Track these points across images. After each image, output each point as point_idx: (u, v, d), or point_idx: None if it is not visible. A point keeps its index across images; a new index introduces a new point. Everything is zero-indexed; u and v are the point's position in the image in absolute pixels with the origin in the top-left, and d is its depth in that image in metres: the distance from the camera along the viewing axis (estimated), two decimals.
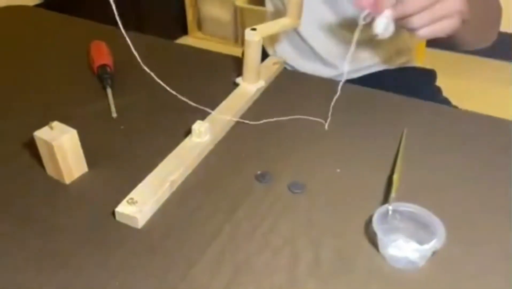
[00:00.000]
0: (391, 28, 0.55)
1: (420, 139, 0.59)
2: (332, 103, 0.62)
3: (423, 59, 1.60)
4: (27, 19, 0.96)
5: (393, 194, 0.46)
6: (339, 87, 0.61)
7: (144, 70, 0.76)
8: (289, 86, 0.72)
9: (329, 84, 0.72)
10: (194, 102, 0.67)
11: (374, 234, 0.43)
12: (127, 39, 0.49)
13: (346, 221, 0.47)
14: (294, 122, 0.62)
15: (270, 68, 0.74)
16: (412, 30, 0.53)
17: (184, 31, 2.58)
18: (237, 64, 0.73)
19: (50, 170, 0.52)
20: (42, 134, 0.49)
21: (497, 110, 0.74)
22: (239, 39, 2.47)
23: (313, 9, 0.71)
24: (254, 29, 0.64)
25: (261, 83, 0.69)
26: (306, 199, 0.50)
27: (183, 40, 2.46)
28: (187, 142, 0.56)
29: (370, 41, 0.81)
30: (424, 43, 2.02)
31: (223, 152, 0.57)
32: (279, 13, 0.86)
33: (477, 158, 0.56)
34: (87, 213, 0.48)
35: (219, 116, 0.61)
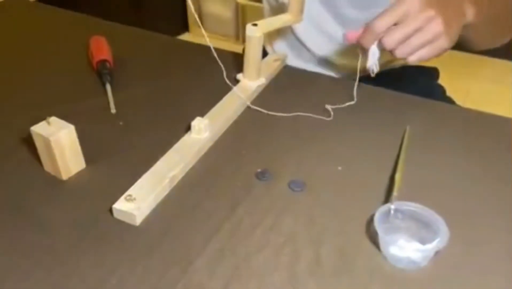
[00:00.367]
0: (378, 55, 0.58)
1: (423, 137, 0.58)
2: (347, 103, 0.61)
3: None
4: (26, 13, 0.95)
5: (395, 193, 0.46)
6: (355, 93, 0.63)
7: (144, 66, 0.76)
8: (290, 83, 0.71)
9: (330, 81, 0.71)
10: (194, 98, 0.66)
11: (376, 233, 0.43)
12: None
13: (347, 219, 0.47)
14: (295, 120, 0.61)
15: (271, 65, 0.73)
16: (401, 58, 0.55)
17: (185, 28, 2.57)
18: (238, 61, 0.72)
19: (47, 166, 0.52)
20: (39, 129, 0.48)
21: (501, 109, 0.73)
22: (240, 36, 2.47)
23: (309, 9, 0.71)
24: (255, 25, 0.63)
25: (262, 80, 0.68)
26: (306, 197, 0.49)
27: (184, 37, 2.45)
28: (186, 139, 0.55)
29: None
30: None
31: (222, 149, 0.57)
32: (274, 11, 0.86)
33: (480, 157, 0.56)
34: (85, 210, 0.47)
35: (219, 113, 0.60)
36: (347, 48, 0.80)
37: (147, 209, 0.47)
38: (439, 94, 0.84)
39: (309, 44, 0.83)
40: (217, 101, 0.62)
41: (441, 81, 0.90)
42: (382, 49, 0.57)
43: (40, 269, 0.41)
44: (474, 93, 1.98)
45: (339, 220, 0.47)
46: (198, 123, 0.55)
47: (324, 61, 0.84)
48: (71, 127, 0.49)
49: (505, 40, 0.72)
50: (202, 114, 0.58)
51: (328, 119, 0.61)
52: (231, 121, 0.61)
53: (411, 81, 0.84)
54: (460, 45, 0.69)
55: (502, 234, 0.46)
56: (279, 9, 0.81)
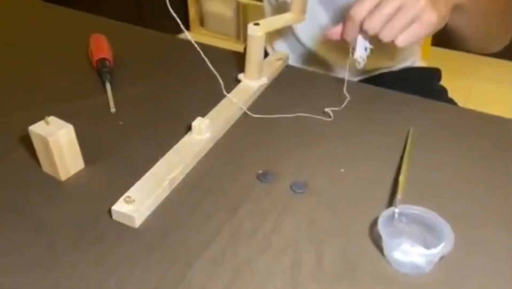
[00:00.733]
0: (368, 49, 0.57)
1: (426, 139, 0.58)
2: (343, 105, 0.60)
3: (428, 57, 1.59)
4: (25, 11, 0.94)
5: (399, 196, 0.45)
6: (345, 90, 0.61)
7: (144, 64, 0.75)
8: (292, 83, 0.70)
9: (333, 82, 0.70)
10: (194, 98, 0.65)
11: (379, 237, 0.42)
12: None
13: (350, 222, 0.46)
14: (297, 120, 0.60)
15: (273, 64, 0.72)
16: (390, 42, 0.52)
17: (186, 27, 2.56)
18: (239, 60, 0.71)
19: (45, 166, 0.51)
20: (37, 129, 0.48)
21: (502, 109, 0.72)
22: (241, 36, 2.46)
23: (309, 10, 0.70)
24: (257, 24, 0.62)
25: (264, 80, 0.67)
26: (308, 199, 0.49)
27: (185, 36, 2.43)
28: (187, 139, 0.55)
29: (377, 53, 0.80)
30: (429, 42, 2.00)
31: (223, 149, 0.56)
32: (275, 11, 0.85)
33: (484, 159, 0.55)
34: (83, 211, 0.47)
35: (220, 113, 0.59)
36: (344, 48, 0.79)
37: (146, 210, 0.46)
38: (442, 95, 0.83)
39: (310, 45, 0.82)
40: (218, 101, 0.62)
41: (443, 81, 0.90)
42: (372, 39, 0.54)
43: (39, 270, 0.40)
44: (476, 94, 1.97)
45: (341, 223, 0.46)
46: (198, 123, 0.54)
47: (325, 62, 0.83)
48: (70, 127, 0.49)
49: (502, 40, 0.69)
50: (203, 114, 0.57)
51: (330, 120, 0.60)
52: (232, 122, 0.60)
53: (413, 82, 0.83)
54: (456, 43, 0.67)
55: (509, 238, 0.45)
56: (279, 9, 0.81)
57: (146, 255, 0.42)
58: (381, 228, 0.41)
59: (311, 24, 0.78)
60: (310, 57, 0.83)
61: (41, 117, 0.48)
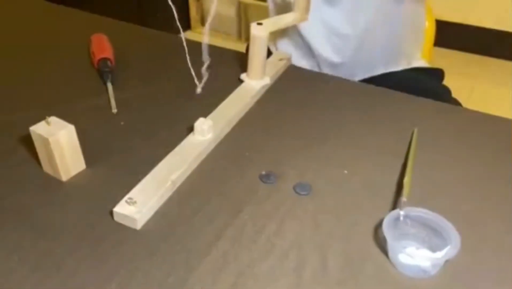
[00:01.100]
0: None
1: (430, 140, 0.57)
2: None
3: (429, 57, 1.58)
4: (27, 10, 0.94)
5: (404, 198, 0.44)
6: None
7: (145, 64, 0.74)
8: (295, 83, 0.69)
9: (336, 82, 0.70)
10: (197, 98, 0.65)
11: (384, 239, 0.41)
12: None
13: (353, 225, 0.45)
14: (300, 121, 0.60)
15: (276, 64, 0.72)
16: None
17: (187, 26, 2.56)
18: (242, 60, 0.71)
19: (46, 167, 0.50)
20: (38, 129, 0.47)
21: (504, 110, 0.72)
22: (243, 35, 2.45)
23: (314, 8, 0.69)
24: (260, 24, 0.61)
25: (266, 80, 0.66)
26: (312, 201, 0.48)
27: (186, 35, 2.43)
28: (189, 140, 0.54)
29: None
30: (431, 42, 2.00)
31: (226, 150, 0.55)
32: (279, 10, 0.84)
33: (490, 160, 0.54)
34: (84, 213, 0.46)
35: (222, 113, 0.59)
36: (349, 48, 0.79)
37: (148, 212, 0.45)
38: (446, 96, 0.83)
39: (315, 44, 0.81)
40: (220, 101, 0.61)
41: (446, 81, 0.89)
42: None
43: (39, 272, 0.40)
44: (477, 94, 1.97)
45: (345, 225, 0.45)
46: (201, 124, 0.54)
47: (329, 62, 0.82)
48: (71, 127, 0.48)
49: None
50: (205, 115, 0.57)
51: (333, 121, 0.60)
52: (234, 123, 0.59)
53: (417, 83, 0.83)
54: None
55: None
56: (285, 8, 0.80)
57: (147, 258, 0.42)
58: (386, 230, 0.41)
59: (316, 23, 0.77)
60: (313, 54, 0.82)
61: (42, 118, 0.48)
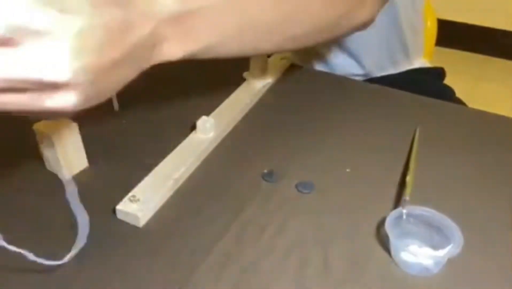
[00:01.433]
0: None
1: (433, 139, 0.57)
2: None
3: (431, 57, 1.58)
4: None
5: (407, 197, 0.44)
6: None
7: None
8: (297, 82, 0.69)
9: (338, 81, 0.70)
10: (199, 96, 0.65)
11: (386, 238, 0.41)
12: None
13: (356, 223, 0.46)
14: (302, 119, 0.60)
15: (277, 63, 0.72)
16: None
17: None
18: (244, 58, 0.70)
19: (49, 164, 0.50)
20: (41, 126, 0.47)
21: (507, 110, 0.72)
22: None
23: None
24: None
25: (269, 79, 0.67)
26: (314, 199, 0.48)
27: None
28: (191, 138, 0.54)
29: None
30: (433, 41, 2.00)
31: (228, 149, 0.55)
32: None
33: (493, 159, 0.54)
34: (86, 210, 0.46)
35: (225, 112, 0.59)
36: (351, 47, 0.79)
37: (151, 210, 0.45)
38: (449, 95, 0.83)
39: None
40: (223, 99, 0.61)
41: (447, 81, 0.89)
42: None
43: (40, 270, 0.40)
44: (479, 94, 1.97)
45: (348, 224, 0.45)
46: (203, 122, 0.54)
47: (330, 61, 0.82)
48: (74, 125, 0.48)
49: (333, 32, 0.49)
50: (207, 113, 0.57)
51: (336, 119, 0.60)
52: (237, 121, 0.60)
53: (419, 82, 0.83)
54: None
55: None
56: None
57: (149, 256, 0.42)
58: (388, 229, 0.41)
59: None
60: (311, 53, 0.82)
61: None
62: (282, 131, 0.58)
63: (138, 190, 0.46)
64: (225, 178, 0.51)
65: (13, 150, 0.54)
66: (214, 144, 0.55)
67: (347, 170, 0.52)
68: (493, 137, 0.58)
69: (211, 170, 0.52)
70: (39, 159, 0.51)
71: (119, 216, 0.45)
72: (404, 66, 0.85)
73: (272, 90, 0.67)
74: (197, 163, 0.52)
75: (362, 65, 0.80)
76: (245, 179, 0.50)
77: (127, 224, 0.45)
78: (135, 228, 0.44)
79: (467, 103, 0.81)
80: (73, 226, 0.45)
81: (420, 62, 0.88)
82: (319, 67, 0.83)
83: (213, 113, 0.58)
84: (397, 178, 0.51)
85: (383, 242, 0.43)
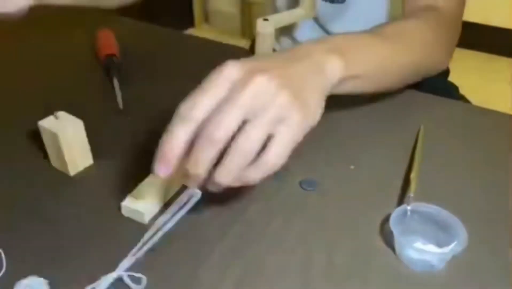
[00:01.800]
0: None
1: (437, 136, 0.57)
2: None
3: None
4: (32, 7, 0.94)
5: (411, 194, 0.44)
6: None
7: (151, 60, 0.74)
8: None
9: None
10: None
11: (391, 235, 0.41)
12: None
13: (361, 220, 0.46)
14: None
15: None
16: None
17: (191, 23, 2.56)
18: (245, 57, 0.70)
19: (54, 161, 0.51)
20: (46, 123, 0.47)
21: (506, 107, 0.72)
22: (246, 32, 2.45)
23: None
24: (266, 20, 0.61)
25: None
26: (318, 196, 0.48)
27: (190, 33, 2.44)
28: None
29: None
30: None
31: None
32: (288, 5, 0.84)
33: (497, 157, 0.54)
34: (92, 207, 0.46)
35: None
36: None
37: (155, 207, 0.46)
38: (453, 92, 0.82)
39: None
40: None
41: (451, 78, 0.89)
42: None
43: (46, 266, 0.40)
44: (483, 92, 1.96)
45: (352, 221, 0.46)
46: None
47: None
48: (79, 122, 0.48)
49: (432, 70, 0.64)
50: None
51: (339, 116, 0.60)
52: None
53: (423, 79, 0.82)
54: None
55: None
56: (294, 3, 0.80)
57: (154, 253, 0.42)
58: (393, 225, 0.41)
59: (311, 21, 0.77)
60: None
61: (50, 113, 0.48)
62: None
63: (143, 187, 0.46)
64: None
65: (18, 147, 0.54)
66: None
67: (351, 167, 0.52)
68: (497, 135, 0.58)
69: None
70: (44, 156, 0.51)
71: (124, 212, 0.45)
72: None
73: None
74: None
75: None
76: None
77: (131, 220, 0.45)
78: (139, 224, 0.44)
79: (471, 100, 0.81)
80: (77, 219, 0.45)
81: None
82: None
83: None
84: (401, 175, 0.51)
85: (388, 238, 0.43)
